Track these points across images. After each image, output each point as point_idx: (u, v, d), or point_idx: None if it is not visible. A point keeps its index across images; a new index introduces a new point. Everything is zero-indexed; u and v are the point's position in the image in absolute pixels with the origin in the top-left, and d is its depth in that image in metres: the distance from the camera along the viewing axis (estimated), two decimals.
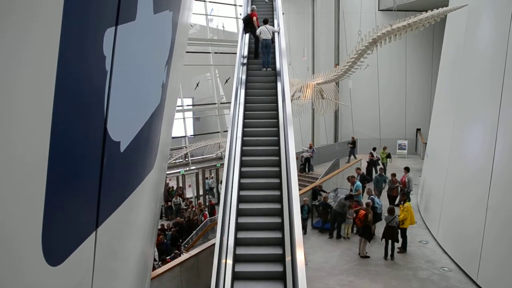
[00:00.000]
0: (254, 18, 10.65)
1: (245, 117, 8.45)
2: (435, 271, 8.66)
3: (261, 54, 10.13)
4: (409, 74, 22.89)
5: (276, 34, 10.46)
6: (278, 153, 7.66)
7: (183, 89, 23.27)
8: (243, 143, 7.80)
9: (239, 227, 6.36)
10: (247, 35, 11.03)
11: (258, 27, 10.37)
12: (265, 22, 10.29)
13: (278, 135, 8.01)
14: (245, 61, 10.19)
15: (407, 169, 14.04)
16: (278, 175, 7.25)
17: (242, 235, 6.30)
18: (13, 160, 1.56)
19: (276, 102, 8.75)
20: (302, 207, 10.33)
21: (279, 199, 6.83)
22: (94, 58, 2.12)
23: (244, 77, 9.47)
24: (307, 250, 9.46)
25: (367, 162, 16.57)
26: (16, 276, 1.69)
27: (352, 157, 18.75)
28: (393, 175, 12.85)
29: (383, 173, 13.78)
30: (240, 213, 6.64)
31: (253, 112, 8.74)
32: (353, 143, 19.02)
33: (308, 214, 11.23)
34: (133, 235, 3.63)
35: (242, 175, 7.22)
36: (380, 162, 16.95)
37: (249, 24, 10.70)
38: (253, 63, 10.37)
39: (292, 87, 15.81)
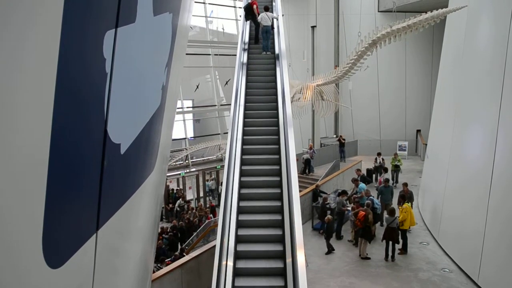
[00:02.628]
0: (254, 6, 11.29)
1: (246, 93, 9.08)
2: (436, 272, 8.65)
3: (261, 39, 10.80)
4: (409, 75, 22.90)
5: (275, 20, 11.10)
6: (278, 151, 7.75)
7: (183, 91, 23.29)
8: (245, 123, 8.28)
9: (240, 225, 6.40)
10: (248, 22, 11.70)
11: (258, 14, 11.01)
12: (266, 9, 11.00)
13: (278, 130, 8.16)
14: (247, 47, 10.87)
15: (385, 170, 14.12)
16: (279, 173, 7.29)
17: (243, 232, 6.34)
18: (14, 163, 1.56)
19: (275, 81, 9.35)
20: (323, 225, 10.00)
21: (280, 197, 6.86)
22: (94, 60, 2.13)
23: (245, 61, 10.13)
24: (307, 251, 9.44)
25: (373, 167, 16.30)
26: (17, 278, 1.69)
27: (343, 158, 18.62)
28: (405, 184, 11.57)
29: (388, 184, 11.99)
30: (241, 210, 6.68)
31: (254, 90, 9.36)
32: (340, 142, 18.88)
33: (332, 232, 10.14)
34: (134, 237, 3.63)
35: (242, 173, 7.26)
36: (385, 169, 15.61)
37: (249, 12, 11.34)
38: (254, 48, 11.02)
39: (292, 89, 15.82)
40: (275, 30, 10.93)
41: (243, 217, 6.59)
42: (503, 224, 7.43)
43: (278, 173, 7.29)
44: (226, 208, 6.22)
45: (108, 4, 2.21)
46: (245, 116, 8.43)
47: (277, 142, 7.87)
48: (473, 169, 8.79)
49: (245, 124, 8.26)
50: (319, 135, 22.92)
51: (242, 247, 6.08)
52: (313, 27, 22.74)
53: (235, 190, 6.56)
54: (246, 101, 8.81)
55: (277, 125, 8.18)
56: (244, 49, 10.57)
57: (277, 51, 10.25)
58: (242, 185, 7.08)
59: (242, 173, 7.24)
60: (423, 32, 12.27)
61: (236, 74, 9.33)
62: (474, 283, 8.03)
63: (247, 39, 11.17)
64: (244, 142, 7.84)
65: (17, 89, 1.50)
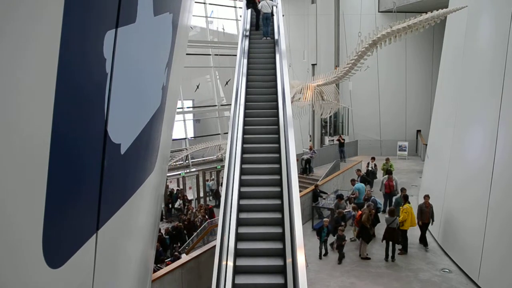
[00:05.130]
0: None
1: (248, 73, 9.63)
2: (436, 273, 8.64)
3: (262, 26, 11.56)
4: (409, 75, 22.87)
5: (274, 7, 11.87)
6: (278, 142, 7.91)
7: (184, 91, 23.28)
8: (246, 115, 8.60)
9: (240, 223, 6.42)
10: (249, 10, 12.39)
11: (259, 2, 11.72)
12: None
13: (278, 124, 8.32)
14: (248, 33, 11.59)
15: (375, 177, 14.21)
16: (279, 172, 7.32)
17: (244, 230, 6.36)
18: (14, 163, 1.56)
19: (275, 63, 9.96)
20: (321, 228, 9.75)
21: (280, 195, 6.89)
22: (95, 60, 2.13)
23: (247, 45, 10.78)
24: (307, 252, 9.44)
25: (365, 172, 16.00)
26: (17, 278, 1.69)
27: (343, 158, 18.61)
28: (427, 196, 9.95)
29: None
30: (241, 209, 6.71)
31: (254, 71, 9.92)
32: (340, 142, 18.91)
33: (327, 236, 9.85)
34: (134, 237, 3.63)
35: (243, 172, 7.30)
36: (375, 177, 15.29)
37: (251, 0, 12.08)
38: (255, 34, 11.76)
39: (292, 89, 15.82)
40: (275, 18, 11.64)
41: (243, 215, 6.61)
42: (503, 224, 7.43)
43: (278, 172, 7.30)
44: (226, 206, 6.23)
45: (108, 4, 2.21)
46: (246, 99, 8.87)
47: (277, 137, 7.98)
48: (473, 169, 8.79)
49: (246, 107, 8.71)
50: (319, 135, 22.95)
51: (242, 245, 6.10)
52: (313, 64, 23.16)
53: (235, 189, 6.58)
54: (248, 80, 9.33)
55: (277, 107, 8.60)
56: (246, 36, 11.25)
57: (276, 36, 10.99)
58: (242, 183, 7.10)
59: (243, 172, 7.26)
60: (423, 32, 12.26)
61: (238, 57, 9.82)
62: (474, 284, 8.03)
63: (248, 26, 11.86)
64: (246, 121, 8.27)
65: (17, 89, 1.50)
